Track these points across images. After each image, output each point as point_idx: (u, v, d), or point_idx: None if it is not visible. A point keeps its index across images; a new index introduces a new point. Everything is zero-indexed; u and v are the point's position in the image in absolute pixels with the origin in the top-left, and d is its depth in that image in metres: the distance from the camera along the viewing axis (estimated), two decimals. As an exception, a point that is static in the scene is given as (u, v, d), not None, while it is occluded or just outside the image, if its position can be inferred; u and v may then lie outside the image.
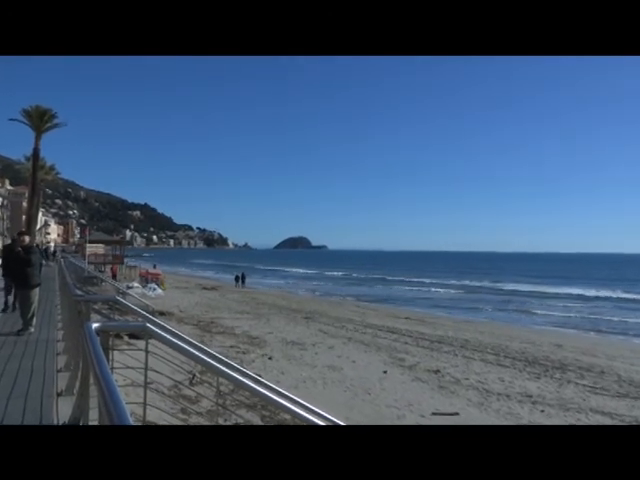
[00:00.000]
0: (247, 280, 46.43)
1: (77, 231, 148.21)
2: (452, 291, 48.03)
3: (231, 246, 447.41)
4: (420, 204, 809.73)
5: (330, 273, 78.43)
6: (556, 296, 43.81)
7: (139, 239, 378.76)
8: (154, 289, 28.58)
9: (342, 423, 4.07)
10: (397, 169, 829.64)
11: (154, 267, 46.31)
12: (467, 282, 59.80)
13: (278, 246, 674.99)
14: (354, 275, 73.96)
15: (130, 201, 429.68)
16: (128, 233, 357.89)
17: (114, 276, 33.40)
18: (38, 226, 54.44)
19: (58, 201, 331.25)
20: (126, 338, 6.76)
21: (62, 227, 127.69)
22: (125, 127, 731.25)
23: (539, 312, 32.28)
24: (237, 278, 45.78)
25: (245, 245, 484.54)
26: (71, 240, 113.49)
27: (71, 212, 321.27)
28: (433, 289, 49.49)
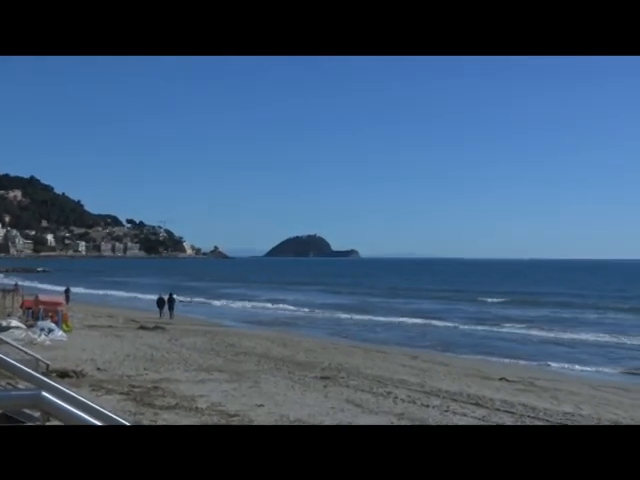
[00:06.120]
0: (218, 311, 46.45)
1: None
2: (581, 332, 47.73)
3: (189, 252, 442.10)
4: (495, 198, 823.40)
5: (364, 298, 79.26)
6: None
7: (20, 241, 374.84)
8: (50, 330, 28.56)
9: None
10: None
11: (66, 292, 46.47)
12: (610, 314, 60.12)
13: (273, 252, 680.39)
14: (406, 302, 74.37)
15: (3, 173, 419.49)
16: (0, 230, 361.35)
17: None
18: None
19: None
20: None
21: None
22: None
23: None
24: (161, 302, 44.81)
25: (214, 250, 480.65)
26: None
27: None
28: (546, 327, 49.27)
